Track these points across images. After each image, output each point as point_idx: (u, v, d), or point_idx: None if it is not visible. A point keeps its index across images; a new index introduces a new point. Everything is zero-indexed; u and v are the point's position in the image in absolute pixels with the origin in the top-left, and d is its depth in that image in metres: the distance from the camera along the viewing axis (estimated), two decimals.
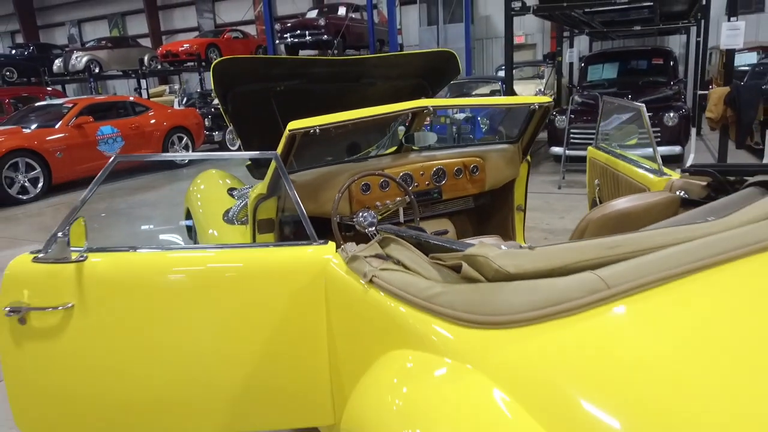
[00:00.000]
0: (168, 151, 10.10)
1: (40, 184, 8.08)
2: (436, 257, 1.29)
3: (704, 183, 2.09)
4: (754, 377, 0.93)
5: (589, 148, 3.20)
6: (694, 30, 12.78)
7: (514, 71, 14.56)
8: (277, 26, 16.05)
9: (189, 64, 17.97)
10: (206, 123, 11.43)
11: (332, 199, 2.40)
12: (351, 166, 2.56)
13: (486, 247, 1.17)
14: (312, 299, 1.62)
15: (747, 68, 9.99)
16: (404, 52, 3.42)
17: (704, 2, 8.68)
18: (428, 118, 7.66)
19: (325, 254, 1.64)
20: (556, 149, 7.80)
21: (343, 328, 1.54)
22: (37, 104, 9.81)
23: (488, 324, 1.08)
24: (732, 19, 6.34)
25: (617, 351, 1.00)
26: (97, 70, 18.53)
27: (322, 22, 15.05)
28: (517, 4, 7.33)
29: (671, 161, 7.11)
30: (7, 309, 1.59)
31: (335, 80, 3.30)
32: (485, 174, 2.86)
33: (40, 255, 1.62)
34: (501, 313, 1.07)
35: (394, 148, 2.95)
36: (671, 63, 8.69)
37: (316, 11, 16.60)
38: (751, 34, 15.41)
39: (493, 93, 9.94)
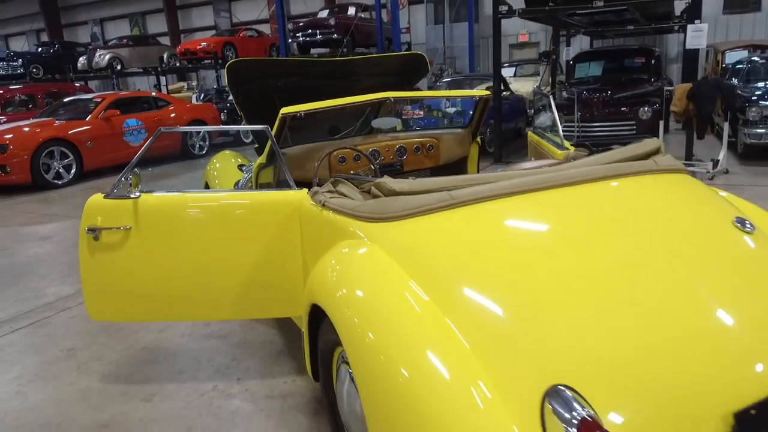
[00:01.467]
0: (188, 144, 11.00)
1: (73, 171, 8.97)
2: (361, 187, 2.05)
3: (586, 153, 2.82)
4: (531, 244, 1.69)
5: (529, 131, 3.92)
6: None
7: (516, 69, 15.22)
8: (290, 25, 16.86)
9: (206, 61, 18.82)
10: (222, 117, 12.29)
11: (322, 166, 3.16)
12: (331, 143, 3.32)
13: (386, 178, 1.93)
14: (291, 224, 2.39)
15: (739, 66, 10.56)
16: (383, 54, 4.15)
17: (690, 3, 9.27)
18: (422, 112, 8.30)
19: (300, 195, 2.41)
20: None
21: (309, 240, 2.31)
22: (68, 99, 10.72)
23: (383, 220, 1.84)
24: (696, 21, 6.99)
25: (450, 232, 1.76)
26: (119, 67, 19.46)
27: (332, 21, 15.83)
28: (504, 8, 8.03)
29: None
30: (86, 229, 2.38)
31: (326, 78, 4.05)
32: (439, 152, 3.61)
33: (109, 193, 2.40)
34: (389, 213, 1.83)
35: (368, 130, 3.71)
36: (653, 61, 9.33)
37: (327, 11, 17.40)
38: (747, 33, 15.90)
39: (488, 89, 10.62)
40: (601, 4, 7.42)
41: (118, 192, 2.39)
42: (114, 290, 2.47)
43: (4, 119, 11.50)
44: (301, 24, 16.51)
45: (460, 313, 1.53)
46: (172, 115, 10.72)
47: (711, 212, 2.01)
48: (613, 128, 8.27)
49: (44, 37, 26.21)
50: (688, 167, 6.77)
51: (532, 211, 1.87)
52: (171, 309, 2.49)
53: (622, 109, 8.16)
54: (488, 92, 3.48)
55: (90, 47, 21.06)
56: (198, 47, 18.24)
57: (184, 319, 2.55)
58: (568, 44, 13.18)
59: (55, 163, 8.77)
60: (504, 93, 10.36)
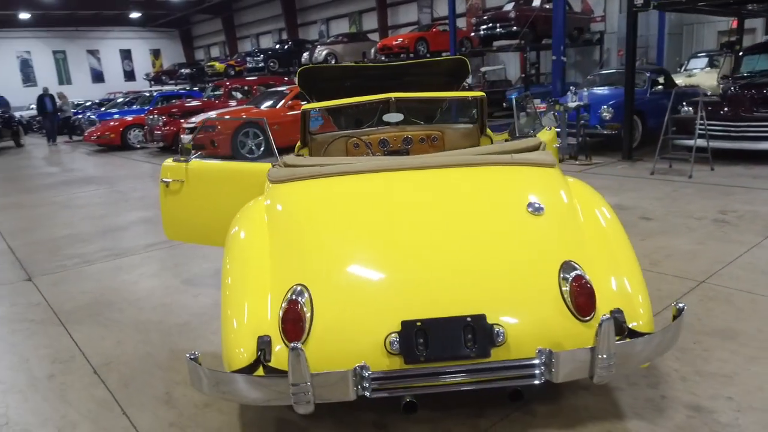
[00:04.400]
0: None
1: (262, 148, 11.29)
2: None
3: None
4: (350, 204, 2.56)
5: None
6: None
7: (709, 59, 13.85)
8: (474, 20, 17.69)
9: (401, 56, 20.66)
10: None
11: (338, 149, 4.20)
12: (348, 132, 4.32)
13: (290, 155, 2.91)
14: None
15: None
16: (431, 59, 4.93)
17: None
18: (544, 105, 8.68)
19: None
20: (682, 140, 7.89)
21: None
22: (269, 90, 13.25)
23: (273, 182, 2.83)
24: None
25: (302, 192, 2.69)
26: (333, 62, 22.37)
27: (512, 14, 16.19)
28: (639, 1, 7.82)
29: None
30: (162, 180, 3.81)
31: (382, 79, 5.01)
32: (444, 143, 4.32)
33: (173, 159, 3.80)
34: (278, 178, 2.81)
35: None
36: None
37: (512, 3, 17.71)
38: None
39: (644, 82, 10.15)
40: None
41: (177, 159, 3.78)
42: (176, 220, 3.88)
43: (234, 103, 14.68)
44: (484, 18, 17.19)
45: (277, 243, 2.47)
46: None
47: (511, 195, 2.57)
48: (764, 129, 7.48)
49: (285, 35, 31.08)
50: None
51: (368, 184, 2.68)
52: (204, 236, 3.80)
53: None
54: (482, 93, 4.08)
55: (315, 43, 24.58)
56: (394, 43, 20.09)
57: (211, 244, 3.85)
58: None
59: (249, 141, 11.17)
60: (658, 87, 9.84)
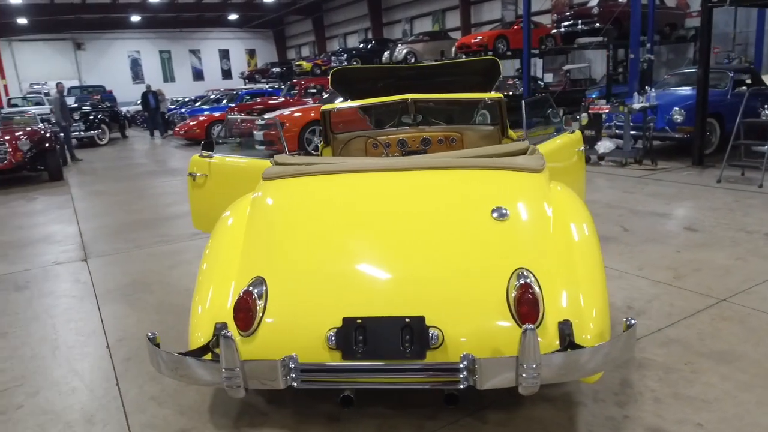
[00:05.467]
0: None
1: None
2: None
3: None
4: (323, 202, 2.68)
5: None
6: None
7: None
8: (555, 16, 17.09)
9: (480, 54, 20.37)
10: None
11: (357, 149, 4.32)
12: (366, 132, 4.41)
13: (282, 155, 3.06)
14: None
15: None
16: (462, 60, 4.90)
17: None
18: (609, 107, 8.36)
19: None
20: (756, 145, 7.27)
21: None
22: None
23: (265, 179, 2.99)
24: None
25: (283, 189, 2.83)
26: (413, 60, 22.49)
27: (595, 10, 15.47)
28: None
29: None
30: (189, 173, 4.11)
31: (415, 79, 5.05)
32: (462, 144, 4.30)
33: (200, 154, 4.08)
34: (268, 174, 2.97)
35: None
36: None
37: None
38: None
39: (725, 82, 9.37)
40: None
41: (202, 155, 4.05)
42: (202, 211, 4.17)
43: (310, 101, 15.22)
44: (566, 14, 16.58)
45: (250, 235, 2.62)
46: None
47: (479, 200, 2.55)
48: None
49: (370, 35, 31.61)
50: None
51: (345, 184, 2.77)
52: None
53: None
54: (500, 95, 4.02)
55: (397, 42, 24.85)
56: (473, 41, 19.84)
57: None
58: None
59: (315, 138, 11.54)
60: (742, 88, 9.05)
